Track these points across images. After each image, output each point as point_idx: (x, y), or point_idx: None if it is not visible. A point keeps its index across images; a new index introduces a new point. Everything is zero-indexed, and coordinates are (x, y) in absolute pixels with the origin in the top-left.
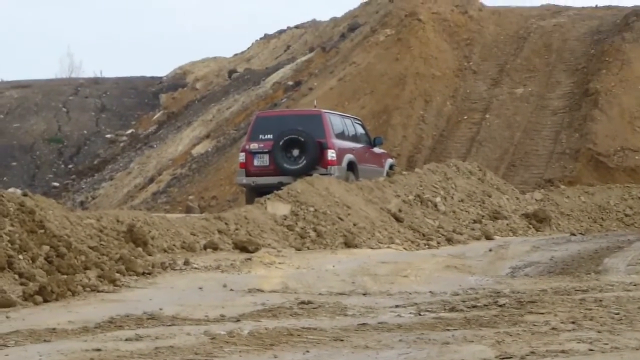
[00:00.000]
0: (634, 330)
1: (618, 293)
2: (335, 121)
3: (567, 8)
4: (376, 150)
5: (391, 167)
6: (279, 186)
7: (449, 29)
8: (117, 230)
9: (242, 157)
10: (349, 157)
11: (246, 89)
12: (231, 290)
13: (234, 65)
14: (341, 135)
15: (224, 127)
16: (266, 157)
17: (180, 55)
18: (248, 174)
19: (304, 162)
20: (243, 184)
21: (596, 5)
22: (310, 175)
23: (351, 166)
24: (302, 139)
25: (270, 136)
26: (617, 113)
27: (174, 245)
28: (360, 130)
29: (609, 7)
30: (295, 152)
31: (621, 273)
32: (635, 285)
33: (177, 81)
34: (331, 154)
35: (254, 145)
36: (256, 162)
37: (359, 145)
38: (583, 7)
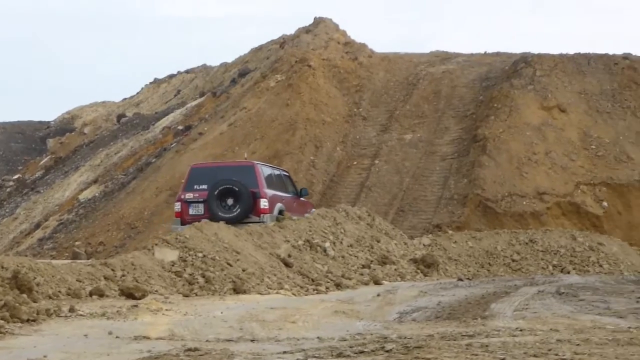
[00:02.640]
0: None
1: (504, 338)
2: (266, 172)
3: (456, 55)
4: (302, 200)
5: None
6: None
7: (339, 75)
8: (1, 277)
9: (177, 206)
10: (279, 205)
11: (135, 133)
12: (117, 337)
13: (123, 109)
14: (271, 185)
15: (112, 172)
16: (201, 206)
17: (68, 99)
18: (183, 223)
19: (238, 210)
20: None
21: (485, 52)
22: (244, 223)
23: (281, 214)
24: (237, 189)
25: (204, 186)
26: (505, 159)
27: (60, 291)
28: (287, 181)
29: (497, 54)
30: (230, 201)
31: (508, 318)
32: (521, 330)
33: (65, 126)
34: (264, 203)
35: (189, 195)
36: (191, 211)
37: (287, 195)
38: (472, 54)
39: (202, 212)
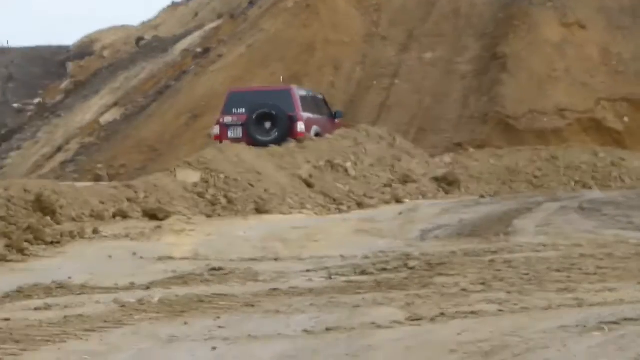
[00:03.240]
0: (543, 290)
1: (527, 254)
2: (302, 96)
3: None
4: (337, 121)
5: None
6: None
7: None
8: (24, 200)
9: (216, 129)
10: (315, 128)
11: (154, 56)
12: (141, 258)
13: (142, 33)
14: (308, 109)
15: (132, 95)
16: (239, 129)
17: (87, 24)
18: None
19: (276, 133)
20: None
21: None
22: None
23: (317, 136)
24: (274, 113)
25: (242, 110)
26: (525, 77)
27: (83, 214)
28: (322, 104)
29: None
30: (268, 125)
31: (530, 234)
32: (544, 246)
33: (84, 50)
34: (300, 126)
35: (227, 119)
36: (230, 134)
37: (323, 117)
38: None
39: (241, 135)
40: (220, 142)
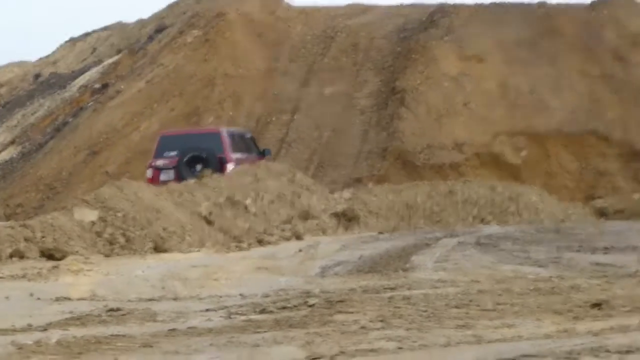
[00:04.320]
0: (442, 327)
1: (426, 290)
2: (231, 136)
3: (374, 7)
4: (265, 159)
5: None
6: None
7: (257, 30)
8: None
9: (149, 172)
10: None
11: (52, 92)
12: (38, 299)
13: (40, 69)
14: (237, 149)
15: (30, 133)
16: (171, 172)
17: None
18: None
19: None
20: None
21: (402, 4)
22: None
23: None
24: (204, 156)
25: (174, 153)
26: (424, 111)
27: None
28: (250, 142)
29: (414, 5)
30: (199, 167)
31: (429, 270)
32: (442, 282)
33: None
34: (230, 167)
35: (159, 162)
36: (162, 177)
37: (252, 156)
38: (389, 6)
39: (173, 178)
40: (153, 184)
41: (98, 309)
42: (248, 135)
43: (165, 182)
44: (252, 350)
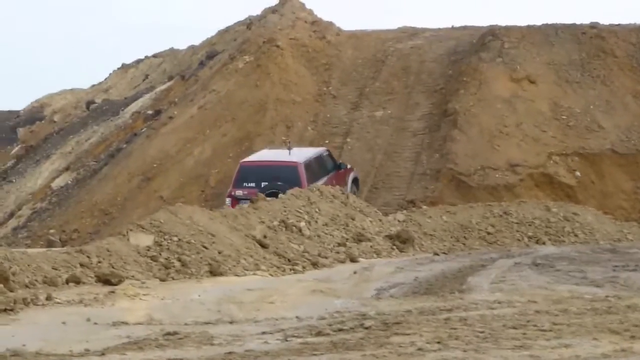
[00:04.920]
0: (499, 348)
1: (482, 311)
2: (309, 166)
3: (424, 30)
4: (340, 171)
5: (354, 181)
6: None
7: (308, 55)
8: None
9: (228, 201)
10: None
11: (105, 119)
12: (95, 324)
13: (92, 96)
14: (313, 176)
15: (84, 159)
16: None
17: (37, 88)
18: None
19: None
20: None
21: (452, 26)
22: None
23: None
24: (283, 191)
25: (252, 184)
26: (476, 132)
27: (36, 280)
28: (328, 160)
29: (465, 28)
30: None
31: (485, 291)
32: (499, 303)
33: (34, 114)
34: None
35: (239, 192)
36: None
37: (326, 177)
38: (439, 29)
39: None
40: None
41: (155, 333)
42: (325, 154)
43: None
44: None
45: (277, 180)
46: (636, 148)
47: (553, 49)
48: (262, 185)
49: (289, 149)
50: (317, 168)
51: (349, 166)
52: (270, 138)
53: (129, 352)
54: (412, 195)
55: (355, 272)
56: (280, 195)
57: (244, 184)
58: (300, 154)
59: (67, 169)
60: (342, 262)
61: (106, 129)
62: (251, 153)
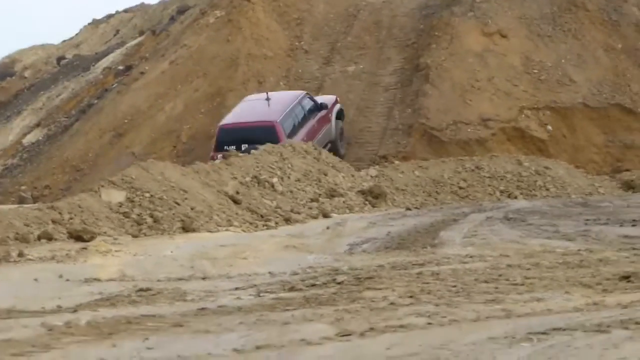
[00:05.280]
0: (471, 302)
1: (454, 266)
2: (286, 120)
3: None
4: (322, 113)
5: (338, 114)
6: None
7: (279, 9)
8: None
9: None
10: None
11: (76, 75)
12: (67, 280)
13: (63, 52)
14: (294, 130)
15: (55, 115)
16: None
17: (6, 43)
18: None
19: None
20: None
21: None
22: None
23: None
24: None
25: (233, 147)
26: (448, 87)
27: (7, 236)
28: (308, 104)
29: None
30: None
31: (457, 246)
32: (471, 257)
33: (5, 70)
34: None
35: (219, 156)
36: None
37: (309, 124)
38: None
39: None
40: None
41: (127, 289)
42: (305, 99)
43: None
44: (281, 328)
45: (255, 141)
46: (608, 102)
47: (525, 3)
48: (242, 148)
49: (267, 99)
50: (297, 118)
51: (333, 99)
52: (242, 93)
53: (102, 308)
54: (385, 151)
55: (327, 228)
56: (253, 151)
57: (225, 147)
58: (277, 108)
59: (38, 125)
60: (315, 217)
61: (77, 84)
62: (223, 108)
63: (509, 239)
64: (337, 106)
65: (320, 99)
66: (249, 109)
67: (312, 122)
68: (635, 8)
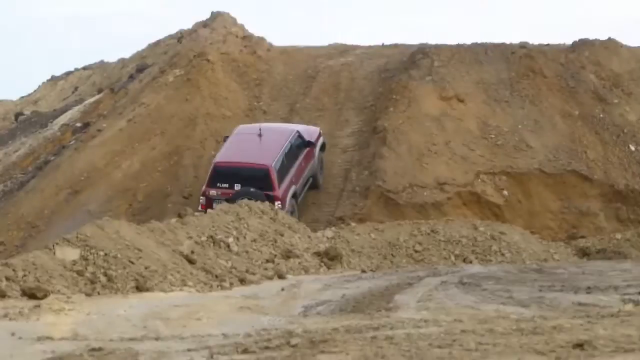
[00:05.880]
0: None
1: (409, 330)
2: (279, 163)
3: (355, 47)
4: (308, 149)
5: (322, 148)
6: None
7: (239, 69)
8: None
9: (202, 200)
10: (291, 190)
11: (33, 131)
12: (20, 338)
13: (21, 107)
14: (283, 170)
15: (11, 171)
16: (224, 204)
17: None
18: None
19: None
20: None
21: (383, 44)
22: None
23: (294, 195)
24: (254, 200)
25: (226, 185)
26: (405, 150)
27: None
28: (297, 142)
29: (396, 46)
30: None
31: (412, 310)
32: (425, 321)
33: None
34: (278, 205)
35: (212, 192)
36: (215, 206)
37: (297, 163)
38: (370, 46)
39: None
40: (206, 212)
41: (80, 348)
42: (296, 137)
43: None
44: None
45: (248, 180)
46: (564, 168)
47: (482, 68)
48: (235, 187)
49: (260, 135)
50: (287, 158)
51: (317, 131)
52: (200, 152)
53: None
54: (341, 212)
55: (283, 289)
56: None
57: (218, 184)
58: (271, 148)
59: None
60: (270, 278)
61: (34, 141)
62: (180, 167)
63: (464, 304)
64: (321, 140)
65: (303, 129)
66: (242, 146)
67: (300, 160)
68: (592, 75)
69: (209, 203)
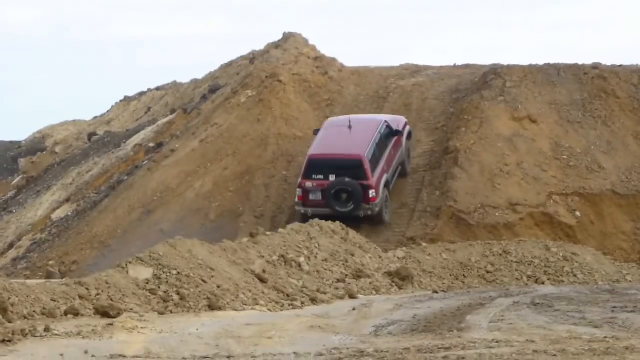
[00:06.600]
0: None
1: (481, 350)
2: (371, 152)
3: (426, 67)
4: (396, 137)
5: (408, 136)
6: (331, 216)
7: (310, 90)
8: None
9: (299, 191)
10: (384, 179)
11: (106, 151)
12: (92, 356)
13: (94, 127)
14: (375, 159)
15: (84, 191)
16: (319, 193)
17: (38, 119)
18: (305, 205)
19: (352, 205)
20: (302, 212)
21: (454, 64)
22: (359, 214)
23: (386, 184)
24: (349, 188)
25: (320, 176)
26: (477, 170)
27: (34, 311)
28: (386, 131)
29: (467, 66)
30: (344, 196)
31: (483, 330)
32: (497, 341)
33: (36, 145)
34: (372, 193)
35: (308, 184)
36: (311, 197)
37: (387, 152)
38: (441, 66)
39: (321, 198)
40: (303, 203)
41: None
42: (384, 127)
43: (314, 201)
44: None
45: (342, 171)
46: (636, 189)
47: (555, 89)
48: (330, 178)
49: (350, 127)
50: (378, 148)
51: (403, 121)
52: (271, 172)
53: None
54: (412, 232)
55: (353, 309)
56: (346, 196)
57: (313, 175)
58: (362, 138)
59: (67, 200)
60: (341, 298)
61: (107, 160)
62: (252, 187)
63: (536, 325)
64: (407, 128)
65: (391, 119)
66: (334, 138)
67: (389, 149)
68: None
69: (306, 194)
